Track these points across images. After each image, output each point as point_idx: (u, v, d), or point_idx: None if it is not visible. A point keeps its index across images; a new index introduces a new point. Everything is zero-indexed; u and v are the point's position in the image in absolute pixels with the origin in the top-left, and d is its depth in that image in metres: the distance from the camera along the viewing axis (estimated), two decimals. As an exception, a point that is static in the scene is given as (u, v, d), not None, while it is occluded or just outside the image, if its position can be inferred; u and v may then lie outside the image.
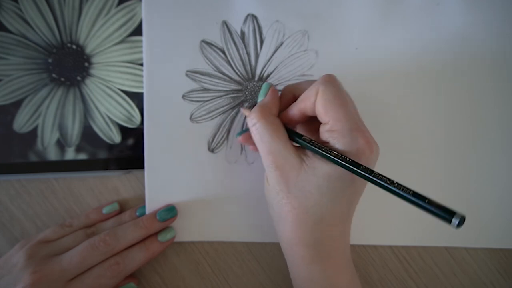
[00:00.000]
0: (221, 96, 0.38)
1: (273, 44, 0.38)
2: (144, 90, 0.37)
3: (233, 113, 0.38)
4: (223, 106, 0.38)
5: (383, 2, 0.37)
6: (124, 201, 0.39)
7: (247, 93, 0.38)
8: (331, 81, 0.29)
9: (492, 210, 0.37)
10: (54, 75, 0.39)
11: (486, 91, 0.37)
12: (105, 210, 0.38)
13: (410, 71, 0.37)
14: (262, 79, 0.38)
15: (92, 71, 0.39)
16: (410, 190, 0.25)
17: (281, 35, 0.38)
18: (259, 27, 0.38)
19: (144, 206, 0.37)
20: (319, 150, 0.28)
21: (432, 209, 0.23)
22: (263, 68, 0.38)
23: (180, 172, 0.37)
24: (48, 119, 0.38)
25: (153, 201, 0.37)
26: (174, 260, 0.38)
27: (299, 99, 0.31)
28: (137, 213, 0.37)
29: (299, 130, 0.34)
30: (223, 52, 0.38)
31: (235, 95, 0.38)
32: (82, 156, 0.38)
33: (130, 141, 0.38)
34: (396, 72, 0.37)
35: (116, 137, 0.38)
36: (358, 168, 0.26)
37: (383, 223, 0.37)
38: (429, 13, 0.37)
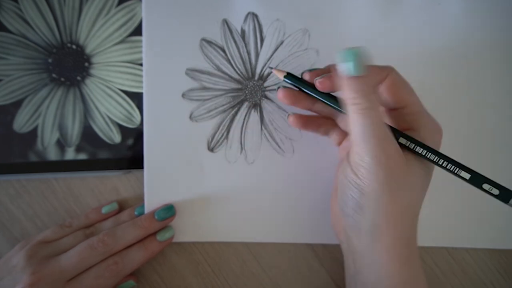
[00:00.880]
0: (221, 95, 0.38)
1: (273, 43, 0.38)
2: (143, 88, 0.37)
3: (233, 112, 0.38)
4: (223, 105, 0.38)
5: (383, 2, 0.37)
6: (124, 201, 0.39)
7: (247, 92, 0.38)
8: (394, 69, 0.30)
9: (492, 210, 0.37)
10: (54, 75, 0.39)
11: (487, 90, 0.37)
12: (104, 210, 0.38)
13: (411, 71, 0.37)
14: (262, 78, 0.38)
15: (92, 71, 0.39)
16: (484, 177, 0.27)
17: (282, 33, 0.38)
18: (260, 26, 0.38)
19: (143, 205, 0.37)
20: (432, 159, 0.28)
21: (489, 191, 0.27)
22: (263, 67, 0.38)
23: (179, 171, 0.37)
24: (48, 119, 0.38)
25: (152, 200, 0.37)
26: (174, 260, 0.38)
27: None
28: (136, 213, 0.37)
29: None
30: (223, 51, 0.38)
31: (235, 94, 0.38)
32: (82, 156, 0.38)
33: (130, 141, 0.38)
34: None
35: (116, 137, 0.38)
36: (460, 168, 0.28)
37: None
38: (429, 13, 0.37)
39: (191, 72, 0.38)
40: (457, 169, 0.28)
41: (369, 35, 0.37)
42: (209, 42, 0.38)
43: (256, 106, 0.38)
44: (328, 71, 0.30)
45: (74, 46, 0.39)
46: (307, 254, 0.38)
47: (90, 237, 0.34)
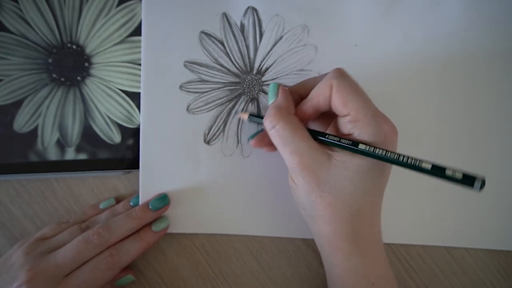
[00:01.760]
0: (219, 88, 0.38)
1: (272, 37, 0.38)
2: (141, 78, 0.37)
3: (230, 105, 0.38)
4: (220, 98, 0.38)
5: (383, 0, 0.37)
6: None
7: (245, 85, 0.38)
8: (343, 74, 0.29)
9: (492, 211, 0.37)
10: (54, 75, 0.39)
11: (486, 90, 0.37)
12: (102, 205, 0.38)
13: (409, 69, 0.37)
14: (260, 72, 0.38)
15: (92, 71, 0.39)
16: (440, 166, 0.26)
17: (281, 29, 0.38)
18: (259, 20, 0.38)
19: (137, 196, 0.37)
20: (348, 146, 0.28)
21: (458, 179, 0.25)
22: (261, 62, 0.38)
23: (175, 163, 0.37)
24: (48, 119, 0.38)
25: (147, 192, 0.37)
26: (174, 260, 0.38)
27: (310, 96, 0.31)
28: (131, 203, 0.37)
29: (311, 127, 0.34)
30: (222, 44, 0.38)
31: (233, 87, 0.38)
32: (82, 156, 0.38)
33: (130, 141, 0.38)
34: (395, 70, 0.37)
35: (116, 137, 0.38)
36: (389, 157, 0.27)
37: (383, 221, 0.37)
38: (429, 12, 0.37)
39: (190, 65, 0.38)
40: (402, 157, 0.27)
41: (368, 32, 0.37)
42: (208, 35, 0.38)
43: (254, 100, 0.38)
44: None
45: (74, 46, 0.39)
46: (307, 253, 0.38)
47: (86, 231, 0.34)
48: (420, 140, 0.37)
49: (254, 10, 0.38)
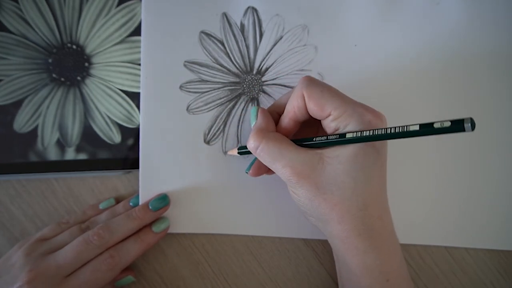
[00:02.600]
0: (219, 88, 0.38)
1: (272, 37, 0.38)
2: (141, 78, 0.38)
3: (230, 105, 0.38)
4: (220, 98, 0.38)
5: (383, 0, 0.37)
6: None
7: (245, 85, 0.38)
8: (311, 80, 0.30)
9: (493, 211, 0.37)
10: (54, 75, 0.39)
11: (487, 89, 0.37)
12: (101, 206, 0.38)
13: (409, 69, 0.37)
14: (260, 72, 0.38)
15: (92, 71, 0.39)
16: (427, 123, 0.25)
17: (281, 29, 0.38)
18: (259, 20, 0.38)
19: (137, 196, 0.37)
20: (337, 140, 0.28)
21: (445, 129, 0.24)
22: (261, 61, 0.38)
23: (175, 163, 0.37)
24: (48, 119, 0.38)
25: (147, 192, 0.37)
26: (174, 260, 0.38)
27: (286, 111, 0.31)
28: (131, 203, 0.37)
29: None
30: (222, 44, 0.38)
31: (233, 87, 0.38)
32: (82, 156, 0.38)
33: (130, 141, 0.38)
34: (395, 70, 0.37)
35: (116, 137, 0.38)
36: (377, 133, 0.26)
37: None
38: (429, 12, 0.37)
39: (190, 65, 0.38)
40: (399, 128, 0.26)
41: (368, 33, 0.37)
42: (208, 35, 0.38)
43: (254, 100, 0.38)
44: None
45: (74, 46, 0.39)
46: (307, 253, 0.38)
47: (86, 231, 0.34)
48: (420, 139, 0.37)
49: (254, 10, 0.38)
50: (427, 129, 0.24)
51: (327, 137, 0.29)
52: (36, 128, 0.38)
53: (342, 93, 0.30)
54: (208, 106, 0.38)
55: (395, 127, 0.26)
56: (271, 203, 0.37)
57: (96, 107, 0.38)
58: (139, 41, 0.38)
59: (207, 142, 0.38)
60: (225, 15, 0.38)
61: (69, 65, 0.39)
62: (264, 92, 0.38)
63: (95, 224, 0.36)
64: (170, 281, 0.38)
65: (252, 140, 0.31)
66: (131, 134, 0.38)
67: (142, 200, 0.37)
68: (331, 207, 0.29)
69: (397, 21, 0.37)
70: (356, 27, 0.37)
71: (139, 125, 0.38)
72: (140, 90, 0.38)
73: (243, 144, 0.37)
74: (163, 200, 0.36)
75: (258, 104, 0.38)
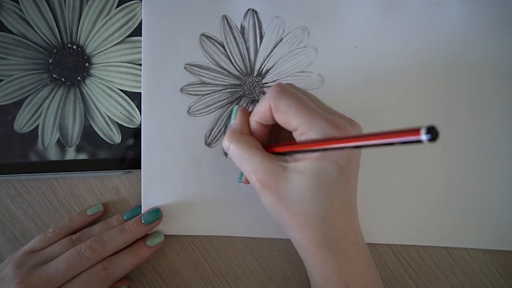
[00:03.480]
0: (220, 90, 0.38)
1: (272, 39, 0.38)
2: (142, 81, 0.38)
3: (231, 107, 0.38)
4: (221, 101, 0.38)
5: (383, 1, 0.37)
6: (124, 200, 0.39)
7: (245, 88, 0.38)
8: (280, 92, 0.29)
9: (493, 211, 0.37)
10: (54, 76, 0.39)
11: (487, 90, 0.37)
12: (89, 212, 0.38)
13: (410, 70, 0.37)
14: (261, 74, 0.38)
15: (93, 71, 0.39)
16: (372, 134, 0.21)
17: (281, 31, 0.38)
18: (259, 22, 0.38)
19: (131, 210, 0.37)
20: (299, 150, 0.28)
21: (400, 140, 0.20)
22: (262, 64, 0.38)
23: (176, 166, 0.37)
24: (49, 119, 0.38)
25: (149, 194, 0.37)
26: (174, 260, 0.38)
27: (253, 112, 0.31)
28: (125, 217, 0.37)
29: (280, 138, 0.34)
30: (223, 46, 0.38)
31: (234, 89, 0.38)
32: (83, 156, 0.38)
33: (130, 141, 0.38)
34: (395, 71, 0.37)
35: (116, 137, 0.38)
36: (332, 142, 0.25)
37: (382, 222, 0.37)
38: (429, 13, 0.37)
39: (190, 67, 0.38)
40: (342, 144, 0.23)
41: (368, 34, 0.37)
42: (209, 38, 0.38)
43: (254, 102, 0.38)
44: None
45: (74, 47, 0.39)
46: (307, 254, 0.38)
47: (78, 244, 0.34)
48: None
49: (254, 12, 0.38)
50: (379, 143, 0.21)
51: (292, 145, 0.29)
52: (36, 128, 0.38)
53: (313, 106, 0.29)
54: (209, 108, 0.38)
55: (349, 137, 0.23)
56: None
57: (96, 107, 0.39)
58: (139, 41, 0.38)
59: (208, 145, 0.38)
60: (225, 17, 0.38)
61: (69, 65, 0.39)
62: (264, 94, 0.38)
63: (87, 236, 0.36)
64: (170, 281, 0.38)
65: (225, 140, 0.31)
66: (131, 134, 0.38)
67: (144, 203, 0.37)
68: (291, 217, 0.29)
69: (397, 22, 0.37)
70: (356, 28, 0.37)
71: (139, 125, 0.38)
72: (142, 93, 0.38)
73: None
74: (156, 214, 0.36)
75: None
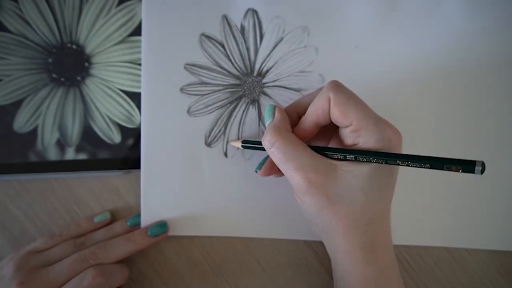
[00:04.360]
0: (220, 90, 0.38)
1: (272, 39, 0.38)
2: (142, 81, 0.38)
3: (231, 107, 0.38)
4: (221, 101, 0.38)
5: (384, 1, 0.37)
6: (124, 200, 0.39)
7: (245, 87, 0.38)
8: (339, 86, 0.29)
9: (492, 211, 0.37)
10: (54, 75, 0.39)
11: (487, 91, 0.37)
12: (96, 219, 0.37)
13: (410, 70, 0.37)
14: (261, 74, 0.38)
15: (92, 71, 0.39)
16: (443, 159, 0.26)
17: (281, 30, 0.38)
18: (259, 22, 0.38)
19: (135, 216, 0.37)
20: (358, 156, 0.28)
21: (457, 167, 0.25)
22: (262, 63, 0.38)
23: (176, 166, 0.37)
24: (48, 119, 0.38)
25: (149, 194, 0.37)
26: (174, 260, 0.38)
27: (308, 112, 0.31)
28: (128, 223, 0.37)
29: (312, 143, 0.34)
30: (223, 46, 0.38)
31: (234, 89, 0.38)
32: (82, 156, 0.38)
33: (130, 141, 0.38)
34: (396, 71, 0.37)
35: (116, 137, 0.38)
36: (396, 159, 0.26)
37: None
38: (429, 13, 0.37)
39: (190, 67, 0.38)
40: (408, 162, 0.26)
41: (368, 34, 0.37)
42: (209, 38, 0.38)
43: (254, 102, 0.38)
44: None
45: (74, 46, 0.39)
46: (307, 253, 0.38)
47: (81, 248, 0.34)
48: (421, 141, 0.37)
49: (254, 12, 0.38)
50: (437, 166, 0.26)
51: (345, 154, 0.28)
52: (36, 128, 0.38)
53: (367, 105, 0.29)
54: (209, 108, 0.38)
55: (415, 157, 0.26)
56: (272, 205, 0.37)
57: (96, 107, 0.38)
58: (139, 41, 0.38)
59: (208, 145, 0.38)
60: (225, 17, 0.38)
61: (69, 65, 0.39)
62: (264, 94, 0.38)
63: (91, 241, 0.36)
64: (170, 281, 0.38)
65: (269, 137, 0.30)
66: (131, 134, 0.38)
67: (143, 203, 0.37)
68: (339, 219, 0.28)
69: (398, 22, 0.37)
70: (357, 28, 0.37)
71: (139, 125, 0.38)
72: (141, 93, 0.37)
73: (245, 149, 0.37)
74: (162, 227, 0.36)
75: (258, 107, 0.38)
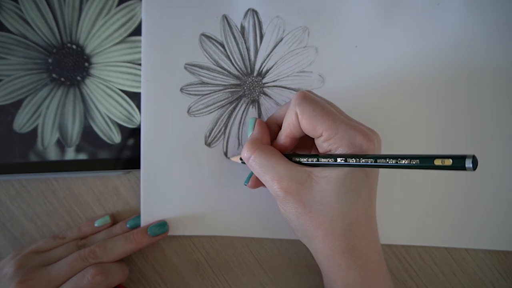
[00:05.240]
0: (220, 90, 0.38)
1: (272, 39, 0.38)
2: (141, 81, 0.38)
3: (231, 107, 0.38)
4: (221, 101, 0.38)
5: (384, 1, 0.37)
6: (124, 200, 0.39)
7: (245, 88, 0.38)
8: (304, 98, 0.29)
9: (492, 211, 0.37)
10: (54, 75, 0.39)
11: (487, 90, 0.37)
12: (97, 223, 0.38)
13: (410, 70, 0.37)
14: (261, 74, 0.38)
15: (92, 71, 0.39)
16: (417, 156, 0.24)
17: (281, 30, 0.38)
18: (259, 22, 0.38)
19: (134, 218, 0.37)
20: (327, 163, 0.28)
21: (443, 164, 0.23)
22: (262, 63, 0.38)
23: (176, 166, 0.37)
24: (48, 119, 0.38)
25: (149, 194, 0.37)
26: (174, 260, 0.38)
27: (283, 127, 0.31)
28: (128, 225, 0.37)
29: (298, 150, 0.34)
30: (223, 46, 0.38)
31: (234, 89, 0.38)
32: (82, 156, 0.38)
33: (130, 141, 0.38)
34: (396, 71, 0.37)
35: (116, 137, 0.38)
36: (366, 161, 0.26)
37: (382, 222, 0.37)
38: (429, 13, 0.37)
39: (190, 67, 0.38)
40: (388, 161, 0.25)
41: (368, 34, 0.37)
42: (209, 38, 0.38)
43: (254, 102, 0.38)
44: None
45: (74, 46, 0.39)
46: (307, 253, 0.38)
47: (82, 249, 0.34)
48: (420, 141, 0.37)
49: (254, 12, 0.38)
50: (421, 165, 0.23)
51: (317, 159, 0.29)
52: (36, 128, 0.38)
53: (336, 112, 0.29)
54: (209, 108, 0.38)
55: (386, 157, 0.25)
56: (272, 205, 0.37)
57: (96, 107, 0.38)
58: (139, 41, 0.38)
59: (208, 145, 0.38)
60: (225, 17, 0.38)
61: (69, 65, 0.39)
62: (264, 94, 0.38)
63: (92, 242, 0.36)
64: (170, 281, 0.38)
65: (246, 150, 0.31)
66: (131, 134, 0.38)
67: (143, 203, 0.37)
68: (316, 226, 0.29)
69: (398, 22, 0.37)
70: (357, 28, 0.37)
71: (139, 125, 0.38)
72: (141, 93, 0.38)
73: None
74: (162, 227, 0.36)
75: (258, 107, 0.38)
